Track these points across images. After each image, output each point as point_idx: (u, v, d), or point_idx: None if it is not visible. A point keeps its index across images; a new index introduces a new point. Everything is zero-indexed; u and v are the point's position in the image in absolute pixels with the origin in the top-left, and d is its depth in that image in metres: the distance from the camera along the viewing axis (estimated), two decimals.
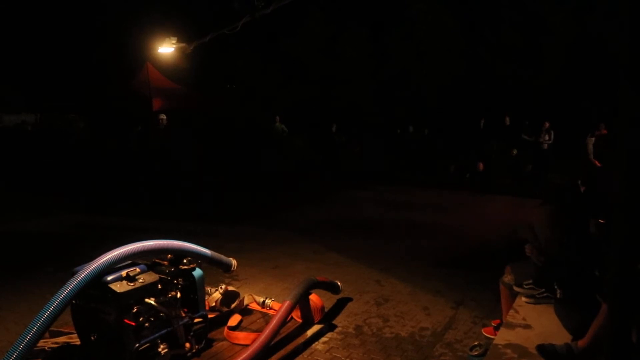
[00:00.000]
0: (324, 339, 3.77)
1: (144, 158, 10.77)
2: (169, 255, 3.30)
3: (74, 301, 2.75)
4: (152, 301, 2.91)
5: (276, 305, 3.96)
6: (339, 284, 4.47)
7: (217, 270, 3.80)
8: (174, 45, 7.42)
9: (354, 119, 17.10)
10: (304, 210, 9.10)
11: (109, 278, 2.79)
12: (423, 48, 17.32)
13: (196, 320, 3.20)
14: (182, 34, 7.85)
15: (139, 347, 2.77)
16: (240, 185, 11.80)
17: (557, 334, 2.86)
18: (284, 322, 3.44)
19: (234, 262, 3.73)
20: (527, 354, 2.73)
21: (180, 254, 3.30)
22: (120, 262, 2.89)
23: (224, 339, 3.46)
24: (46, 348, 3.12)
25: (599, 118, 11.59)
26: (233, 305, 3.91)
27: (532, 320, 3.11)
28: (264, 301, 4.06)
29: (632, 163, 1.74)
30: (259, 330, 3.47)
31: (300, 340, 3.63)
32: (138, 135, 11.82)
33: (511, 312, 3.28)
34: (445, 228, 7.71)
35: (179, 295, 3.13)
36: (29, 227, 7.61)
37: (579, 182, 3.41)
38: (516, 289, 3.43)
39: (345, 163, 14.43)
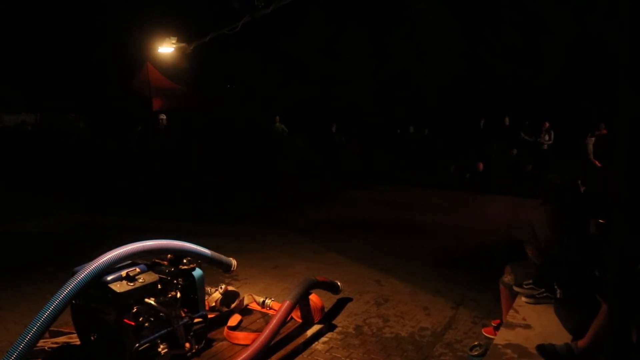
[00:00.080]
0: (324, 339, 3.77)
1: (144, 158, 10.78)
2: (169, 255, 3.30)
3: (74, 301, 2.75)
4: (152, 301, 2.91)
5: (276, 305, 3.96)
6: (339, 284, 4.47)
7: (217, 270, 3.80)
8: (174, 45, 7.42)
9: (354, 119, 17.09)
10: (304, 210, 9.10)
11: (109, 278, 2.79)
12: (423, 48, 17.32)
13: (196, 320, 3.20)
14: (182, 34, 7.86)
15: (139, 347, 2.77)
16: (240, 185, 11.80)
17: (557, 334, 2.86)
18: (284, 322, 3.44)
19: (234, 262, 3.73)
20: (527, 354, 2.73)
21: (180, 254, 3.30)
22: (120, 262, 2.89)
23: (224, 339, 3.46)
24: (46, 348, 3.12)
25: (599, 118, 11.59)
26: (233, 305, 3.91)
27: (532, 320, 3.11)
28: (264, 301, 4.06)
29: (632, 163, 1.74)
30: (259, 330, 3.47)
31: (300, 340, 3.63)
32: (138, 135, 11.83)
33: (511, 312, 3.28)
34: (445, 228, 7.71)
35: (179, 295, 3.13)
36: (29, 227, 7.61)
37: (579, 182, 3.41)
38: (516, 289, 3.43)
39: (345, 163, 14.42)
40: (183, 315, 3.12)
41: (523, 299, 3.38)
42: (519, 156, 13.15)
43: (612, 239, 1.83)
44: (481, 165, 13.00)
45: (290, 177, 12.94)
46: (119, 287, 2.78)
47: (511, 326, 3.07)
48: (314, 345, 3.65)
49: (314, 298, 3.95)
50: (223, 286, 3.99)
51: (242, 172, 12.89)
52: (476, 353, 3.39)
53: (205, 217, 8.45)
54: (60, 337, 3.27)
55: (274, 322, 3.29)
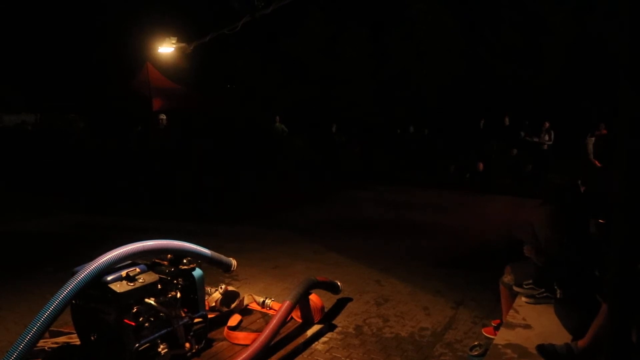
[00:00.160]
0: (324, 339, 3.77)
1: (144, 158, 10.77)
2: (169, 255, 3.30)
3: (74, 301, 2.75)
4: (152, 301, 2.91)
5: (276, 305, 3.96)
6: (339, 284, 4.47)
7: (217, 270, 3.80)
8: (174, 45, 7.42)
9: (354, 119, 17.09)
10: (304, 210, 9.10)
11: (109, 278, 2.79)
12: (423, 48, 17.32)
13: (196, 320, 3.20)
14: (182, 34, 7.86)
15: (138, 347, 2.77)
16: (240, 185, 11.79)
17: (557, 334, 2.86)
18: (284, 322, 3.44)
19: (234, 262, 3.73)
20: (527, 354, 2.73)
21: (180, 254, 3.30)
22: (120, 262, 2.89)
23: (224, 339, 3.46)
24: (46, 348, 3.12)
25: (599, 118, 11.59)
26: (233, 305, 3.91)
27: (532, 320, 3.11)
28: (264, 301, 4.06)
29: (632, 163, 1.74)
30: (259, 330, 3.47)
31: (300, 340, 3.63)
32: (138, 135, 11.82)
33: (511, 312, 3.28)
34: (445, 228, 7.71)
35: (179, 295, 3.13)
36: (29, 227, 7.61)
37: (579, 182, 3.41)
38: (516, 289, 3.43)
39: (345, 163, 14.42)
40: (183, 315, 3.12)
41: (523, 299, 3.38)
42: (519, 156, 13.15)
43: (612, 239, 1.83)
44: (481, 165, 13.00)
45: (290, 177, 12.94)
46: (119, 287, 2.78)
47: (511, 326, 3.07)
48: (314, 345, 3.65)
49: (314, 298, 3.95)
50: (223, 286, 3.99)
51: (242, 172, 12.89)
52: (476, 353, 3.39)
53: (205, 217, 8.45)
54: (60, 337, 3.27)
55: (274, 322, 3.29)
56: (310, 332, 3.77)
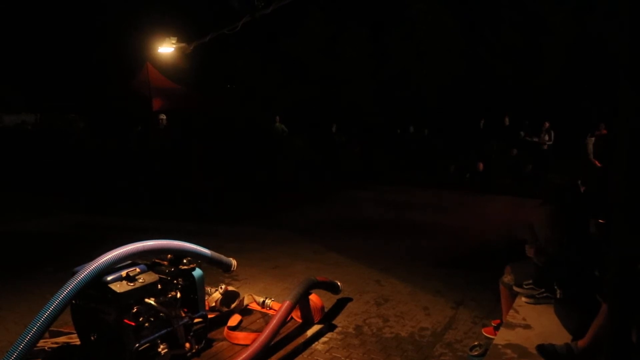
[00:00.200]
0: (324, 339, 3.77)
1: (144, 158, 10.77)
2: (169, 255, 3.30)
3: (74, 301, 2.75)
4: (152, 301, 2.91)
5: (276, 305, 3.96)
6: (339, 284, 4.47)
7: (217, 270, 3.80)
8: (174, 45, 7.42)
9: (354, 119, 17.10)
10: (304, 210, 9.10)
11: (109, 278, 2.79)
12: (423, 48, 17.32)
13: (196, 320, 3.20)
14: (182, 34, 7.86)
15: (139, 347, 2.77)
16: (240, 185, 11.80)
17: (557, 334, 2.86)
18: (284, 322, 3.44)
19: (234, 262, 3.73)
20: (527, 354, 2.73)
21: (180, 254, 3.30)
22: (120, 262, 2.89)
23: (224, 339, 3.46)
24: (46, 348, 3.12)
25: (599, 118, 11.59)
26: (233, 305, 3.91)
27: (532, 320, 3.11)
28: (264, 301, 4.06)
29: (632, 163, 1.74)
30: (259, 330, 3.47)
31: (300, 340, 3.63)
32: (138, 135, 11.82)
33: (511, 312, 3.28)
34: (445, 228, 7.71)
35: (179, 295, 3.13)
36: (29, 227, 7.61)
37: (579, 182, 3.41)
38: (516, 289, 3.43)
39: (345, 163, 14.42)
40: (183, 315, 3.12)
41: (523, 299, 3.38)
42: (519, 156, 13.15)
43: (612, 239, 1.83)
44: (481, 165, 13.00)
45: (290, 177, 12.94)
46: (119, 287, 2.78)
47: (511, 326, 3.07)
48: (314, 345, 3.65)
49: (314, 298, 3.95)
50: (223, 286, 3.99)
51: (242, 172, 12.89)
52: (476, 353, 3.39)
53: (205, 217, 8.45)
54: (60, 337, 3.27)
55: (274, 322, 3.29)
56: (310, 332, 3.77)
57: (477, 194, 11.00)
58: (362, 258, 5.88)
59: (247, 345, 3.21)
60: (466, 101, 16.51)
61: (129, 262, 2.99)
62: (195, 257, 3.39)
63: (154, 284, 2.99)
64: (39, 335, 2.43)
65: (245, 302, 4.07)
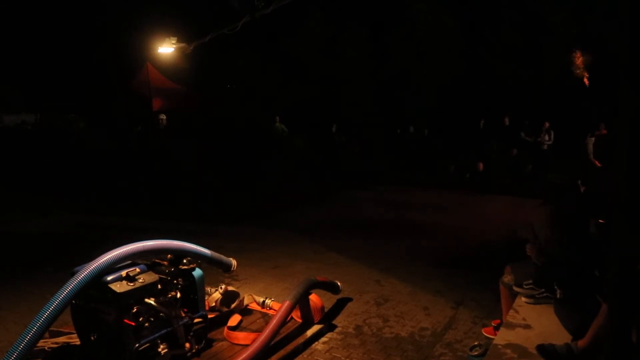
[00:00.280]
0: (324, 339, 3.77)
1: (144, 158, 10.77)
2: (169, 255, 3.30)
3: (74, 301, 2.75)
4: (152, 301, 2.91)
5: (276, 305, 3.96)
6: (339, 284, 4.47)
7: (217, 270, 3.80)
8: (174, 45, 7.42)
9: (354, 119, 17.09)
10: (304, 210, 9.10)
11: (109, 278, 2.79)
12: (423, 48, 17.32)
13: (196, 320, 3.20)
14: (182, 34, 7.86)
15: (139, 347, 2.77)
16: (240, 185, 11.80)
17: (557, 334, 2.86)
18: (284, 322, 3.44)
19: (234, 262, 3.73)
20: (527, 354, 2.73)
21: (180, 254, 3.30)
22: (120, 262, 2.89)
23: (224, 339, 3.46)
24: (46, 348, 3.12)
25: (599, 118, 11.59)
26: (233, 305, 3.91)
27: (532, 320, 3.11)
28: (264, 301, 4.06)
29: (632, 163, 1.74)
30: (259, 330, 3.47)
31: (300, 340, 3.63)
32: (138, 135, 11.83)
33: (511, 312, 3.28)
34: (445, 228, 7.71)
35: (179, 295, 3.13)
36: (29, 227, 7.61)
37: (579, 182, 3.41)
38: (516, 289, 3.43)
39: (345, 163, 14.42)
40: (183, 315, 3.12)
41: (523, 299, 3.38)
42: (519, 156, 13.15)
43: (612, 239, 1.83)
44: (481, 165, 13.00)
45: (290, 177, 12.94)
46: (119, 287, 2.78)
47: (511, 326, 3.07)
48: (314, 345, 3.65)
49: (314, 298, 3.95)
50: (223, 286, 3.99)
51: (242, 172, 12.89)
52: (476, 353, 3.39)
53: (205, 217, 8.45)
54: (60, 337, 3.27)
55: (274, 322, 3.30)
56: (310, 332, 3.77)
57: (477, 194, 11.00)
58: (362, 258, 5.88)
59: (247, 345, 3.21)
60: (466, 101, 16.50)
61: (129, 262, 2.99)
62: (195, 257, 3.39)
63: (154, 284, 2.99)
64: (39, 335, 2.43)
65: (245, 302, 4.08)
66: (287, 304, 3.49)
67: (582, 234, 3.05)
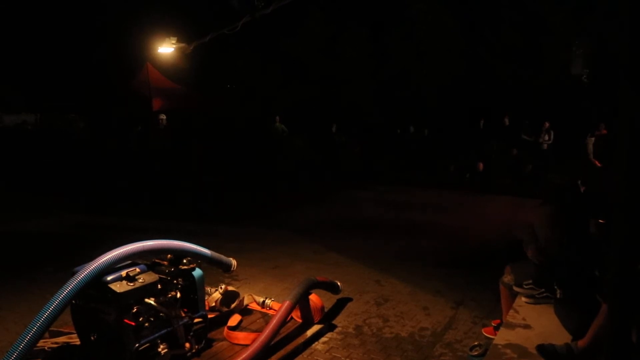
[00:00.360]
0: (323, 339, 3.77)
1: (144, 158, 10.78)
2: (169, 255, 3.30)
3: (73, 301, 2.75)
4: (152, 301, 2.91)
5: (276, 305, 3.96)
6: (339, 284, 4.47)
7: (217, 270, 3.80)
8: (174, 45, 7.42)
9: (354, 119, 17.09)
10: (304, 210, 9.10)
11: (109, 278, 2.79)
12: (423, 48, 17.32)
13: (196, 320, 3.20)
14: (182, 34, 7.85)
15: (139, 347, 2.77)
16: (240, 185, 11.80)
17: (557, 334, 2.86)
18: (284, 322, 3.44)
19: (234, 262, 3.73)
20: (527, 354, 2.73)
21: (180, 254, 3.30)
22: (120, 262, 2.89)
23: (224, 339, 3.46)
24: (46, 348, 3.12)
25: (599, 118, 11.59)
26: (233, 305, 3.91)
27: (532, 320, 3.11)
28: (264, 301, 4.06)
29: (632, 163, 1.74)
30: (259, 330, 3.47)
31: (300, 340, 3.63)
32: (138, 135, 11.83)
33: (511, 312, 3.28)
34: (445, 228, 7.71)
35: (179, 295, 3.13)
36: (29, 227, 7.61)
37: (579, 182, 3.41)
38: (516, 289, 3.43)
39: (345, 163, 14.43)
40: (183, 315, 3.12)
41: (523, 299, 3.38)
42: (519, 156, 13.15)
43: (612, 239, 1.83)
44: (481, 165, 13.00)
45: (290, 177, 12.94)
46: (119, 287, 2.78)
47: (511, 326, 3.07)
48: (314, 345, 3.65)
49: (314, 298, 3.95)
50: (223, 286, 3.99)
51: (242, 172, 12.89)
52: (476, 353, 3.39)
53: (205, 217, 8.45)
54: (60, 337, 3.27)
55: (274, 322, 3.30)
56: (310, 332, 3.77)
57: (477, 194, 11.00)
58: (362, 258, 5.88)
59: (247, 345, 3.21)
60: (466, 101, 16.51)
61: (129, 262, 2.99)
62: (195, 257, 3.39)
63: (154, 284, 2.99)
64: (39, 335, 2.43)
65: (245, 302, 4.07)
66: (287, 304, 3.49)
67: (582, 234, 3.05)
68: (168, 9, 16.53)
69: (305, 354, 3.52)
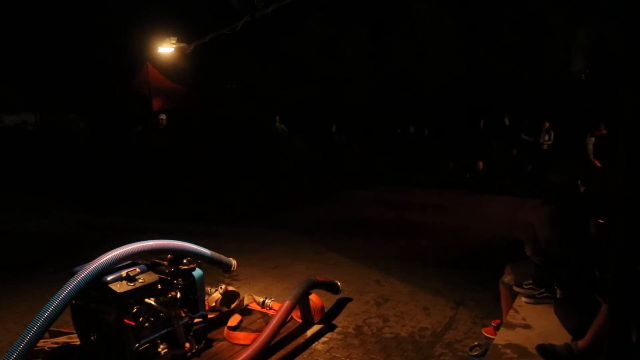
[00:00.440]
0: (324, 339, 3.77)
1: (144, 158, 10.78)
2: (169, 255, 3.30)
3: (73, 301, 2.75)
4: (152, 301, 2.91)
5: (276, 305, 3.96)
6: (339, 284, 4.47)
7: (217, 270, 3.80)
8: (174, 45, 7.41)
9: (354, 119, 17.10)
10: (304, 210, 9.10)
11: (109, 278, 2.79)
12: (423, 48, 17.32)
13: (196, 320, 3.20)
14: (182, 34, 7.85)
15: (139, 347, 2.77)
16: (240, 185, 11.80)
17: (557, 334, 2.86)
18: (284, 322, 3.44)
19: (234, 262, 3.73)
20: (527, 354, 2.73)
21: (180, 254, 3.30)
22: (120, 262, 2.89)
23: (224, 339, 3.46)
24: (46, 348, 3.12)
25: (599, 118, 11.59)
26: (233, 305, 3.91)
27: (532, 320, 3.11)
28: (264, 301, 4.06)
29: (632, 163, 1.74)
30: (259, 330, 3.47)
31: (300, 340, 3.63)
32: (138, 135, 11.83)
33: (511, 312, 3.28)
34: (445, 228, 7.71)
35: (179, 295, 3.13)
36: (29, 227, 7.61)
37: (579, 182, 3.41)
38: (516, 289, 3.43)
39: (345, 163, 14.43)
40: (183, 315, 3.12)
41: (523, 299, 3.38)
42: (519, 156, 13.15)
43: (612, 239, 1.83)
44: (481, 164, 12.99)
45: (290, 177, 12.95)
46: (119, 287, 2.78)
47: (511, 326, 3.07)
48: (314, 345, 3.65)
49: (314, 298, 3.95)
50: (223, 286, 3.99)
51: (242, 172, 12.89)
52: (476, 353, 3.39)
53: (205, 217, 8.45)
54: (60, 337, 3.27)
55: (274, 322, 3.30)
56: (310, 332, 3.77)
57: (477, 194, 11.00)
58: (362, 258, 5.88)
59: (247, 345, 3.21)
60: (466, 101, 16.51)
61: (129, 262, 2.99)
62: (195, 257, 3.39)
63: (154, 284, 2.99)
64: (39, 335, 2.43)
65: (245, 302, 4.08)
66: (287, 304, 3.49)
67: (582, 234, 3.05)
68: (168, 9, 16.53)
69: (305, 354, 3.52)
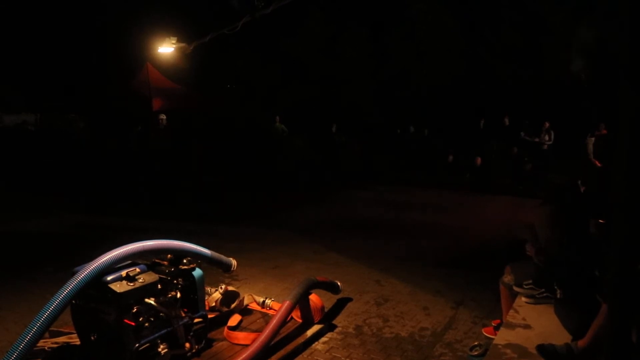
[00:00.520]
0: (324, 339, 3.77)
1: (144, 158, 10.78)
2: (169, 255, 3.30)
3: (73, 301, 2.75)
4: (152, 301, 2.91)
5: (276, 305, 3.96)
6: (339, 284, 4.47)
7: (217, 270, 3.80)
8: (174, 45, 7.41)
9: (354, 119, 17.10)
10: (304, 210, 9.10)
11: (109, 278, 2.79)
12: (423, 48, 17.33)
13: (196, 320, 3.20)
14: (182, 34, 7.85)
15: (139, 347, 2.77)
16: (240, 185, 11.79)
17: (557, 334, 2.86)
18: (284, 322, 3.44)
19: (234, 262, 3.73)
20: (527, 354, 2.73)
21: (180, 254, 3.30)
22: (120, 262, 2.89)
23: (224, 339, 3.46)
24: (46, 348, 3.12)
25: (599, 118, 11.59)
26: (233, 305, 3.91)
27: (532, 320, 3.11)
28: (264, 301, 4.06)
29: (632, 163, 1.74)
30: (259, 330, 3.47)
31: (300, 340, 3.63)
32: (138, 135, 11.83)
33: (511, 312, 3.28)
34: (445, 228, 7.71)
35: (179, 295, 3.13)
36: (29, 227, 7.61)
37: (579, 182, 3.41)
38: (516, 289, 3.43)
39: (345, 163, 14.43)
40: (183, 315, 3.12)
41: (523, 299, 3.38)
42: (519, 156, 13.15)
43: (612, 239, 1.83)
44: (479, 160, 12.96)
45: (290, 177, 12.94)
46: (119, 287, 2.78)
47: (511, 326, 3.07)
48: (314, 345, 3.65)
49: (314, 298, 3.95)
50: (223, 286, 3.99)
51: (242, 172, 12.89)
52: (476, 353, 3.39)
53: (205, 217, 8.45)
54: (60, 337, 3.27)
55: (274, 322, 3.29)
56: (310, 332, 3.77)
57: (477, 194, 11.01)
58: (362, 258, 5.88)
59: (247, 345, 3.21)
60: (466, 101, 16.51)
61: (129, 262, 2.99)
62: (195, 257, 3.39)
63: (154, 284, 2.99)
64: (39, 335, 2.43)
65: (245, 302, 4.07)
66: (287, 304, 3.49)
67: (582, 234, 3.05)
68: (168, 9, 16.52)
69: (305, 354, 3.52)
